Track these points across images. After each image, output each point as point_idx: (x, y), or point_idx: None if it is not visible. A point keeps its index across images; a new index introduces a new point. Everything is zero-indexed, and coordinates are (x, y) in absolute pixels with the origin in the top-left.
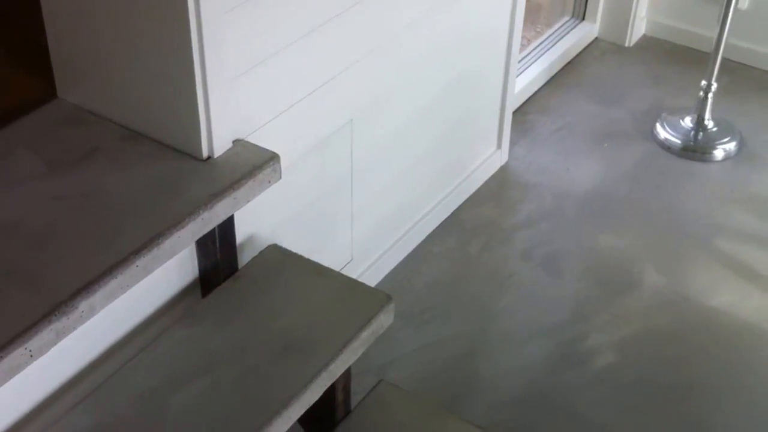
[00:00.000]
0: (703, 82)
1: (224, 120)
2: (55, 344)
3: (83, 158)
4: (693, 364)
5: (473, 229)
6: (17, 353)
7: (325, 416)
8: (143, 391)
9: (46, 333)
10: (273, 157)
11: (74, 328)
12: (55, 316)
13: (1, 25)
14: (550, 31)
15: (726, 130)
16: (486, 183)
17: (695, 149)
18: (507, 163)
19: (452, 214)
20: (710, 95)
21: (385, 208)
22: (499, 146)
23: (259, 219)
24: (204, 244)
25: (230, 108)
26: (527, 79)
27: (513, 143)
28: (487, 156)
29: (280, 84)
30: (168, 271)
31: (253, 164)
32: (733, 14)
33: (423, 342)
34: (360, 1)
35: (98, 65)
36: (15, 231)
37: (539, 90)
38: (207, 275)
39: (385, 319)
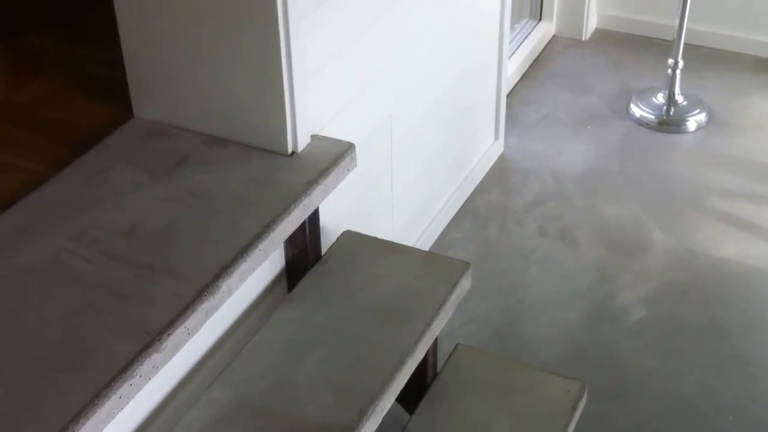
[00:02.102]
0: (671, 61)
1: (304, 117)
2: (205, 322)
3: (178, 164)
4: (716, 307)
5: (487, 214)
6: (179, 332)
7: (418, 380)
8: (268, 365)
9: (199, 312)
10: (350, 147)
11: (217, 308)
12: (205, 296)
13: (45, 62)
14: (513, 33)
15: (695, 103)
16: (489, 172)
17: (670, 122)
18: (504, 152)
19: (465, 203)
20: (678, 72)
21: (414, 200)
22: (496, 137)
23: (328, 211)
24: (293, 233)
25: (307, 106)
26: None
27: (505, 134)
28: (488, 147)
29: (340, 84)
30: None
31: (335, 154)
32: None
33: (466, 318)
34: (393, 4)
35: (177, 83)
36: (142, 231)
37: (517, 85)
38: (294, 262)
39: (465, 283)
